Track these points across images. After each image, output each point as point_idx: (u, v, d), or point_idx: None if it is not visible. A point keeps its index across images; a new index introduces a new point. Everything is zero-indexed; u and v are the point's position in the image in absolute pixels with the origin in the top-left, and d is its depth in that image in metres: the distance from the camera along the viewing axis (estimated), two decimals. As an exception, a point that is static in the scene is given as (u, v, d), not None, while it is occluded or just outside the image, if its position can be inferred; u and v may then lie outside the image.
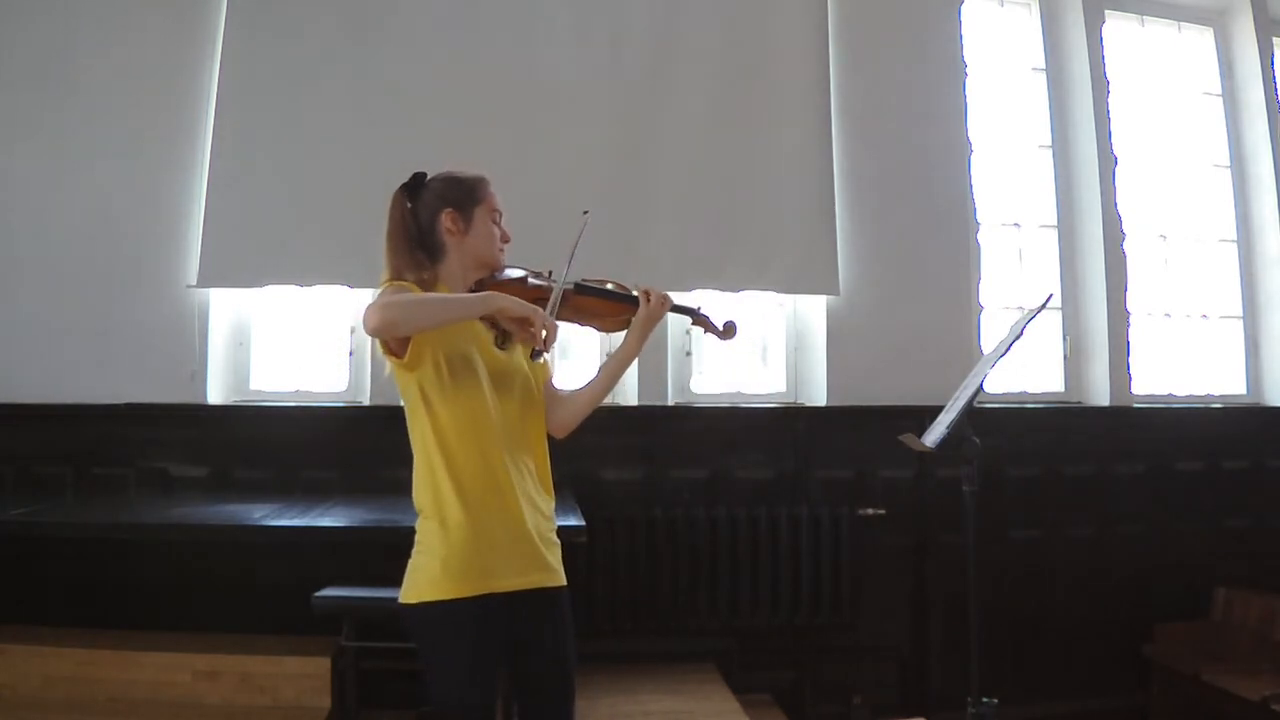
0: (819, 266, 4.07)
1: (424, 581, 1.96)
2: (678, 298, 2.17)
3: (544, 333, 1.87)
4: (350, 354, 4.03)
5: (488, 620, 1.95)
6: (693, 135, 4.03)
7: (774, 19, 4.15)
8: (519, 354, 2.09)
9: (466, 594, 1.93)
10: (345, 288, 3.97)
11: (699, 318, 2.19)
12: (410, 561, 2.01)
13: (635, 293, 2.12)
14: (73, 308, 3.77)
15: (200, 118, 3.86)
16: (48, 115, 3.82)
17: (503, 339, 2.06)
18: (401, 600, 1.99)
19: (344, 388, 4.03)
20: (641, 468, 3.95)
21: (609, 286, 2.14)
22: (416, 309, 1.87)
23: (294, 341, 4.06)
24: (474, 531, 1.95)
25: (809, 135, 4.11)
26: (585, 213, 2.11)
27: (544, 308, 1.95)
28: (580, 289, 2.08)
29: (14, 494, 3.64)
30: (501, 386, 2.02)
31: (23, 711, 3.01)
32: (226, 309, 3.96)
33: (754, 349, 4.28)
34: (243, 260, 3.82)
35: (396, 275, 2.01)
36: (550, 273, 2.11)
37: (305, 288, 3.98)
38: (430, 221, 2.05)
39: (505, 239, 2.11)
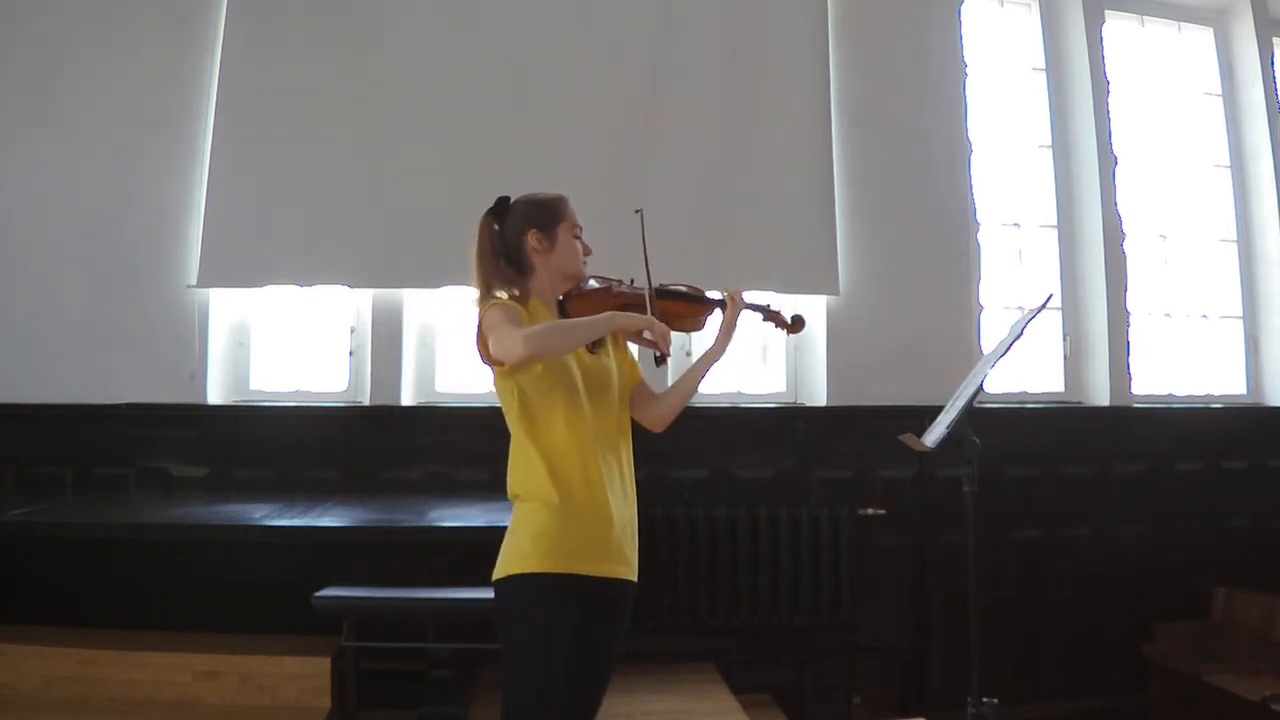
0: (819, 266, 4.07)
1: (513, 556, 2.07)
2: (748, 296, 2.33)
3: (662, 338, 2.07)
4: (350, 354, 4.03)
5: (568, 598, 2.02)
6: (693, 135, 4.03)
7: (774, 19, 4.15)
8: (610, 358, 2.22)
9: (550, 569, 2.03)
10: (345, 288, 3.97)
11: (769, 314, 2.36)
12: (503, 544, 2.11)
13: (718, 295, 2.29)
14: (73, 308, 3.78)
15: (200, 118, 3.86)
16: (47, 116, 3.83)
17: (595, 344, 2.18)
18: (493, 579, 2.08)
19: (344, 388, 4.03)
20: (641, 468, 3.89)
21: (683, 289, 2.29)
22: (558, 337, 2.02)
23: (294, 341, 4.06)
24: (566, 515, 2.06)
25: (809, 135, 4.11)
26: (637, 211, 2.23)
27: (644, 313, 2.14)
28: (661, 293, 2.23)
29: (14, 494, 3.64)
30: (594, 388, 2.15)
31: (23, 711, 3.01)
32: (226, 309, 3.96)
33: (754, 349, 4.28)
34: (243, 260, 3.82)
35: (487, 291, 2.14)
36: (633, 280, 2.26)
37: (305, 288, 3.98)
38: (516, 241, 2.19)
39: (587, 252, 2.23)
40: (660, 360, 2.10)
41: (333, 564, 3.29)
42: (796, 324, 2.36)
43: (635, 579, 2.17)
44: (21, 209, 3.80)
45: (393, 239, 3.86)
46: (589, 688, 2.11)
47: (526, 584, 2.03)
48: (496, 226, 2.20)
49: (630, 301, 2.20)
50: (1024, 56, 4.63)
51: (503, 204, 2.22)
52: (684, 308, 2.27)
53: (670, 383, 2.45)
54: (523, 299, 2.16)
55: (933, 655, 4.03)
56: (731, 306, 2.27)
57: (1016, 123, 4.59)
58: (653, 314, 2.18)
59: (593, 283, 2.25)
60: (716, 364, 2.30)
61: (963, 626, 2.84)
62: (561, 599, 2.02)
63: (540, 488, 2.07)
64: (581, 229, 2.23)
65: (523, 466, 2.11)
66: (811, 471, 4.03)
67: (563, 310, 2.22)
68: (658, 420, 2.32)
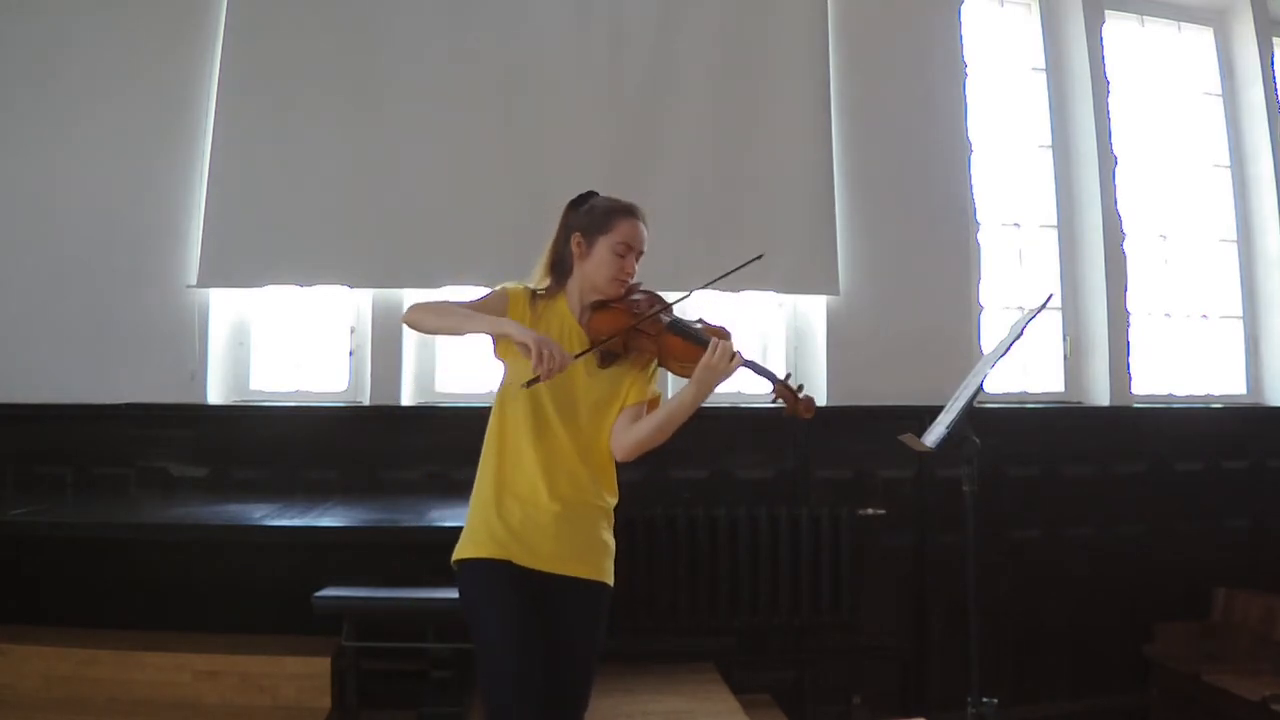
0: (819, 266, 4.07)
1: (458, 545, 2.17)
2: (758, 359, 2.16)
3: (544, 363, 1.92)
4: (350, 354, 4.03)
5: (502, 582, 2.08)
6: (692, 135, 4.03)
7: (774, 18, 4.15)
8: (609, 374, 2.18)
9: (485, 555, 2.10)
10: (345, 288, 3.97)
11: (779, 386, 2.11)
12: None
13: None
14: (73, 308, 3.78)
15: (200, 118, 3.86)
16: (47, 115, 3.82)
17: (605, 360, 2.17)
18: None
19: (344, 388, 4.03)
20: (641, 468, 3.92)
21: (694, 328, 2.14)
22: (428, 317, 2.10)
23: (294, 341, 4.06)
24: (497, 506, 2.13)
25: (809, 135, 4.11)
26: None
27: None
28: (671, 326, 2.15)
29: (14, 494, 3.64)
30: (566, 399, 2.15)
31: (23, 711, 3.01)
32: (226, 309, 3.96)
33: (754, 349, 4.28)
34: (243, 260, 3.82)
35: (539, 280, 2.24)
36: (652, 304, 2.21)
37: (305, 288, 3.98)
38: (567, 238, 2.23)
39: (625, 272, 2.18)
40: (530, 383, 1.97)
41: (333, 564, 3.29)
42: (809, 407, 2.09)
43: (602, 579, 2.18)
44: (22, 209, 3.80)
45: (393, 239, 3.86)
46: (562, 689, 2.12)
47: (468, 569, 2.12)
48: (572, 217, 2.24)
49: (636, 323, 2.13)
50: (1024, 56, 4.63)
51: (584, 197, 2.25)
52: (683, 348, 2.11)
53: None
54: (549, 295, 2.21)
55: (933, 655, 4.03)
56: (718, 358, 2.04)
57: (1016, 123, 4.58)
58: (650, 344, 2.14)
59: (631, 298, 2.19)
60: (687, 413, 2.11)
61: (963, 626, 2.83)
62: (496, 585, 2.08)
63: (487, 481, 2.15)
64: (631, 249, 2.17)
65: (482, 458, 2.19)
66: (811, 471, 4.03)
67: (588, 320, 2.19)
68: (620, 449, 2.19)
